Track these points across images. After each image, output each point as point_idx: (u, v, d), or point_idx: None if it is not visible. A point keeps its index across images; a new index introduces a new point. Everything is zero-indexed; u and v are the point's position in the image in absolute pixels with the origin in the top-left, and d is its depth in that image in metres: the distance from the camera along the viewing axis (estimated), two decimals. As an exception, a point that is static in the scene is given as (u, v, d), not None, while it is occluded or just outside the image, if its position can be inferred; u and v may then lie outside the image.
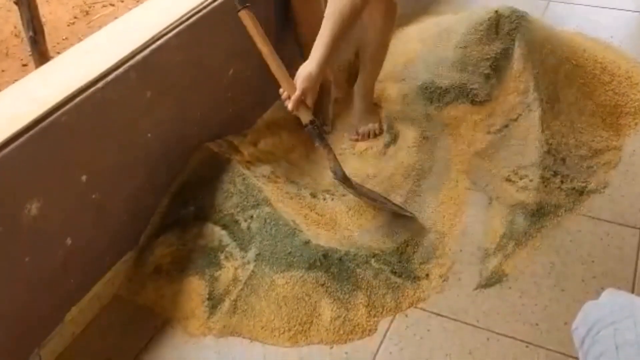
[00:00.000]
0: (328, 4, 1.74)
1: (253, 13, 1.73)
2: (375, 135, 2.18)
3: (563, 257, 1.76)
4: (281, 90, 1.75)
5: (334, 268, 1.68)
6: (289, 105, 1.71)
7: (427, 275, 1.73)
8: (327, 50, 1.69)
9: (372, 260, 1.72)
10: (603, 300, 0.96)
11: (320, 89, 2.25)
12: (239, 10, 1.72)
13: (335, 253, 1.70)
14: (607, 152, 2.08)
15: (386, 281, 1.68)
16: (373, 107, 2.25)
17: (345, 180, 1.80)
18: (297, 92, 1.68)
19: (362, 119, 2.20)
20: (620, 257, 1.76)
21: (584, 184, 1.97)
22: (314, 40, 2.09)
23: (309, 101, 1.72)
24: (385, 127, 2.19)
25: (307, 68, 1.71)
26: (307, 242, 1.71)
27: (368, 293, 1.66)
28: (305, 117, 1.75)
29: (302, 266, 1.67)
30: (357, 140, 2.18)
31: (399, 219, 1.83)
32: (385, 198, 1.86)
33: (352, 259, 1.70)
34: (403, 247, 1.78)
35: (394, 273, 1.71)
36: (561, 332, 1.57)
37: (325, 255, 1.69)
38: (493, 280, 1.72)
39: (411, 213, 1.84)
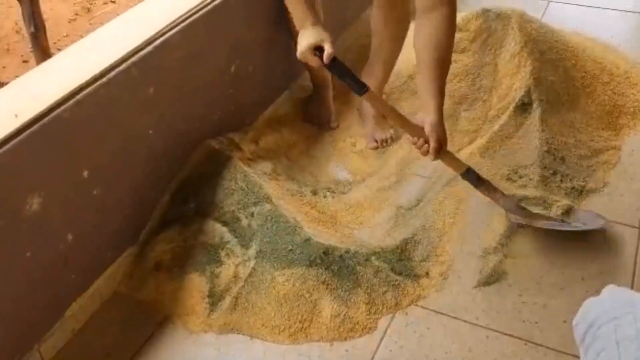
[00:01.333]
0: (418, 43, 1.70)
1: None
2: (392, 141, 2.17)
3: (562, 256, 1.77)
4: (414, 139, 1.71)
5: (334, 266, 1.68)
6: (431, 156, 1.70)
7: (427, 273, 1.73)
8: (438, 93, 1.67)
9: (373, 258, 1.72)
10: (603, 296, 0.96)
11: (321, 85, 2.27)
12: (362, 95, 1.72)
13: (335, 251, 1.71)
14: (606, 151, 2.09)
15: (386, 279, 1.69)
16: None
17: (523, 211, 1.78)
18: (433, 144, 1.66)
19: (376, 126, 2.18)
20: (619, 255, 1.76)
21: (583, 183, 1.97)
22: None
23: (444, 144, 1.70)
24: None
25: (430, 118, 1.65)
26: (307, 240, 1.72)
27: (368, 291, 1.66)
28: (459, 167, 1.76)
29: (303, 263, 1.68)
30: (376, 147, 2.17)
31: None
32: (560, 220, 1.80)
33: (353, 257, 1.70)
34: (403, 245, 1.78)
35: (394, 271, 1.71)
36: (561, 331, 1.58)
37: (325, 253, 1.69)
38: (493, 278, 1.72)
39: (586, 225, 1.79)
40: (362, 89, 1.70)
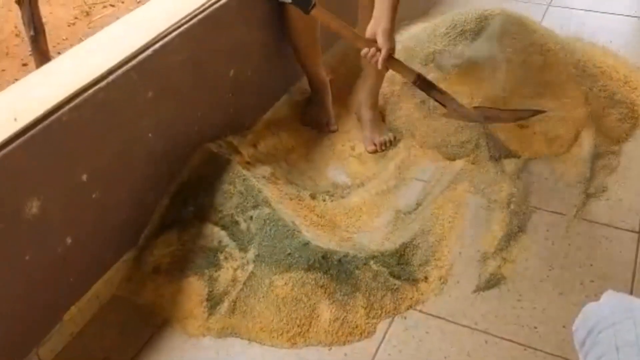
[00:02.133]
0: None
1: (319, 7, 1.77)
2: (391, 144, 2.17)
3: (561, 261, 1.77)
4: (364, 50, 1.78)
5: (333, 269, 1.68)
6: (380, 64, 1.76)
7: (426, 277, 1.73)
8: (394, 11, 1.75)
9: (371, 262, 1.72)
10: (603, 301, 0.96)
11: (320, 88, 2.27)
12: (308, 12, 1.76)
13: (334, 254, 1.70)
14: (605, 156, 2.09)
15: (385, 283, 1.69)
16: (380, 116, 2.24)
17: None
18: (384, 51, 1.73)
19: (374, 129, 2.18)
20: (618, 260, 1.76)
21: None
22: (307, 43, 2.09)
23: (393, 52, 1.78)
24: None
25: (382, 27, 1.74)
26: (306, 244, 1.72)
27: (367, 295, 1.66)
28: (409, 74, 1.82)
29: (301, 267, 1.68)
30: (375, 151, 2.16)
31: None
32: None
33: (352, 261, 1.70)
34: (402, 249, 1.78)
35: (393, 275, 1.71)
36: (560, 335, 1.58)
37: (324, 257, 1.69)
38: (492, 283, 1.72)
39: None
40: (309, 4, 1.73)
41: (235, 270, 1.72)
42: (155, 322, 1.66)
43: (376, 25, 1.75)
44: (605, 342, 0.87)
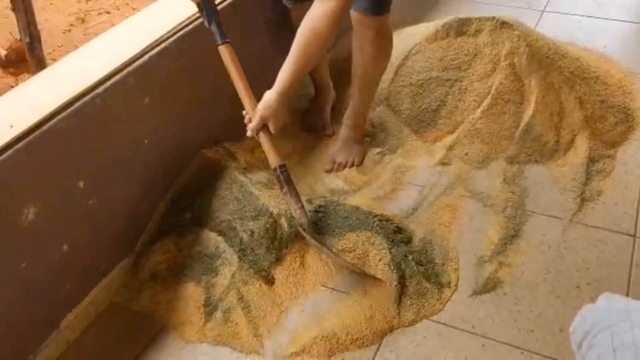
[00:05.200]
0: (299, 28, 1.74)
1: (232, 48, 1.73)
2: (352, 166, 2.10)
3: (558, 264, 1.77)
4: (244, 113, 1.74)
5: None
6: (248, 131, 1.72)
7: (449, 282, 1.73)
8: (289, 79, 1.70)
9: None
10: (600, 304, 0.96)
11: (320, 93, 2.28)
12: (219, 45, 1.71)
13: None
14: (600, 160, 2.10)
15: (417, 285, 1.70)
16: (360, 138, 2.16)
17: (312, 232, 1.72)
18: (255, 119, 1.68)
19: (342, 149, 2.12)
20: (614, 263, 1.77)
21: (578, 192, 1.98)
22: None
23: (272, 127, 1.70)
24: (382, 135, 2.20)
25: (268, 96, 1.70)
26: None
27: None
28: (274, 160, 1.71)
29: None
30: (330, 170, 2.10)
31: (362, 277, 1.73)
32: (349, 262, 1.71)
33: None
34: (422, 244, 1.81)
35: (426, 278, 1.73)
36: (556, 339, 1.58)
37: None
38: (488, 287, 1.72)
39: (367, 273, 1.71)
40: (222, 39, 1.70)
41: (232, 276, 1.71)
42: (153, 328, 1.66)
43: (268, 93, 1.71)
44: (602, 344, 0.87)
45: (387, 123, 2.25)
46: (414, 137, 2.21)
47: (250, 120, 1.71)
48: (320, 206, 1.83)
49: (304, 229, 1.70)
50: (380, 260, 1.70)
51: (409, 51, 2.32)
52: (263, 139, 1.72)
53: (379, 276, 1.68)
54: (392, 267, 1.68)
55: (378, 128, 2.24)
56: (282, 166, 1.72)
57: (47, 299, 1.54)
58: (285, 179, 1.71)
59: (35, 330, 1.54)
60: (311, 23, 1.70)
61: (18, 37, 2.74)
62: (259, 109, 1.69)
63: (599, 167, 2.07)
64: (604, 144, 2.15)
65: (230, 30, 1.94)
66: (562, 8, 2.99)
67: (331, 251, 1.69)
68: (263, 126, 1.70)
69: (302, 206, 1.72)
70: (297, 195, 1.72)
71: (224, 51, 1.71)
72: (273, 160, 1.72)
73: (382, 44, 1.96)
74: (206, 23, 1.72)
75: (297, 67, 1.70)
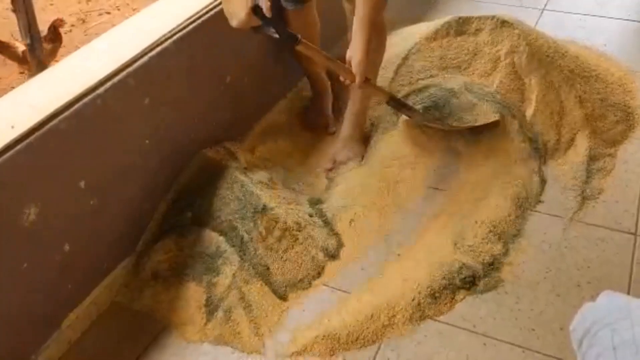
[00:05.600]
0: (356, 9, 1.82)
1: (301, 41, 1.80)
2: (352, 164, 2.10)
3: (558, 263, 1.78)
4: (343, 79, 1.85)
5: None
6: (356, 88, 1.86)
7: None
8: (366, 34, 1.79)
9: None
10: (600, 301, 0.96)
11: (319, 92, 2.28)
12: (296, 45, 1.79)
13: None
14: (601, 158, 2.10)
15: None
16: (360, 137, 2.16)
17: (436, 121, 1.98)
18: (358, 79, 1.80)
19: (343, 147, 2.13)
20: (615, 262, 1.77)
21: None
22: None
23: (371, 75, 1.90)
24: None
25: (356, 56, 1.79)
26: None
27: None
28: (382, 95, 1.95)
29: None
30: (330, 169, 2.10)
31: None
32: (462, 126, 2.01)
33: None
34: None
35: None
36: (557, 337, 1.58)
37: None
38: (489, 285, 1.72)
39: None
40: (296, 38, 1.77)
41: (233, 275, 1.72)
42: (154, 328, 1.66)
43: (351, 52, 1.80)
44: (603, 342, 0.87)
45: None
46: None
47: (350, 82, 1.83)
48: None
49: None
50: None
51: (409, 50, 2.32)
52: (369, 86, 1.89)
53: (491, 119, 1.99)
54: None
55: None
56: (392, 97, 1.95)
57: (48, 299, 1.54)
58: (400, 105, 1.98)
59: (37, 330, 1.54)
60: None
61: (19, 37, 2.75)
62: (357, 68, 1.79)
63: (600, 166, 2.07)
64: (604, 142, 2.15)
65: (231, 30, 1.95)
66: (562, 7, 2.99)
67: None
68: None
69: (419, 112, 2.00)
70: (414, 110, 2.00)
71: (301, 48, 1.81)
72: (384, 95, 1.97)
73: (380, 35, 2.07)
74: (275, 35, 1.80)
75: (367, 21, 1.79)
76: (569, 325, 1.00)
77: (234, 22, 1.73)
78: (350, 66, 1.79)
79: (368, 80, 1.85)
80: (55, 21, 2.86)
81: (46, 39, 2.79)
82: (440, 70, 2.25)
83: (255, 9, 1.69)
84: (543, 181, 2.01)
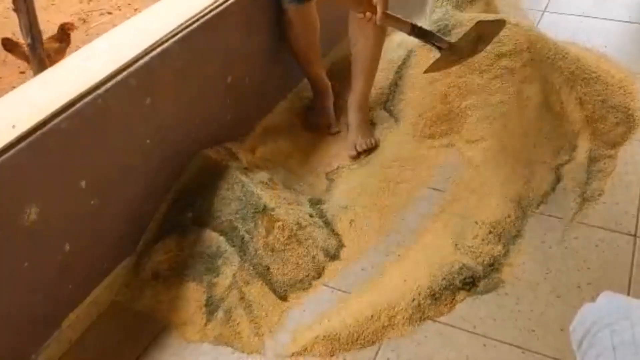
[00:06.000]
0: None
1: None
2: (372, 148, 2.16)
3: (559, 264, 1.78)
4: (362, 14, 1.87)
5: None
6: (377, 21, 1.84)
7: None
8: None
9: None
10: (600, 302, 0.97)
11: (319, 93, 2.29)
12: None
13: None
14: (601, 160, 2.10)
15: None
16: (367, 121, 2.24)
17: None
18: (379, 9, 1.82)
19: (359, 133, 2.18)
20: (615, 263, 1.77)
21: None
22: (306, 47, 2.13)
23: (387, 7, 1.85)
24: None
25: None
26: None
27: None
28: (405, 26, 1.88)
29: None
30: (356, 157, 2.15)
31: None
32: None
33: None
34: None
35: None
36: (557, 338, 1.58)
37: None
38: (489, 286, 1.72)
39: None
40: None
41: (234, 275, 1.72)
42: (154, 328, 1.66)
43: None
44: (602, 342, 0.87)
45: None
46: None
47: (371, 16, 1.84)
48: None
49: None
50: None
51: (409, 51, 2.32)
52: (390, 18, 1.86)
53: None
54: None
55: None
56: (413, 27, 1.88)
57: (48, 299, 1.54)
58: (423, 34, 1.90)
59: (37, 329, 1.54)
60: None
61: (20, 37, 2.76)
62: (376, 1, 1.81)
63: (600, 167, 2.08)
64: (604, 144, 2.16)
65: (232, 30, 1.95)
66: (563, 8, 3.00)
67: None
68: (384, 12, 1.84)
69: (441, 38, 1.91)
70: (435, 37, 1.91)
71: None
72: (406, 26, 1.88)
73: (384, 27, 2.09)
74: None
75: None
76: (569, 326, 1.01)
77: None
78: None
79: (387, 14, 1.86)
80: (65, 24, 2.91)
81: (54, 38, 2.83)
82: (439, 73, 2.24)
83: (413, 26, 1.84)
84: (557, 180, 2.02)
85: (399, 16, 1.88)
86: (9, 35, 3.11)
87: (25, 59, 2.82)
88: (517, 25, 2.26)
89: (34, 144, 1.40)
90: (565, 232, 1.87)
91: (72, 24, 2.97)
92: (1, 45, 2.95)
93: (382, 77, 2.32)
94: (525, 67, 2.18)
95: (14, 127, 1.40)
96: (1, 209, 1.37)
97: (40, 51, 2.51)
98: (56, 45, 2.84)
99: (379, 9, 1.82)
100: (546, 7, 3.01)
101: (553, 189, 2.00)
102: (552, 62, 2.26)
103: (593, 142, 2.14)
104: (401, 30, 1.90)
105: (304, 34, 2.16)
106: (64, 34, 2.91)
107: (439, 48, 1.89)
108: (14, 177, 1.38)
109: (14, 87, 1.68)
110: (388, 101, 2.30)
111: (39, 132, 1.41)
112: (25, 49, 2.71)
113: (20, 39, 2.79)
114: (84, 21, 3.46)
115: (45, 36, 2.79)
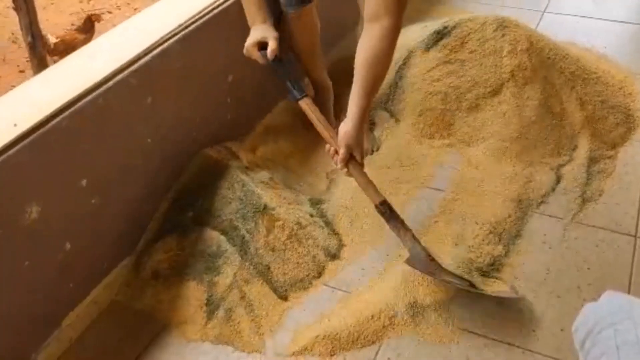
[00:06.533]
0: (357, 52, 1.64)
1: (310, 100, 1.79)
2: (372, 153, 2.15)
3: (559, 264, 1.78)
4: (327, 148, 1.71)
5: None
6: (338, 164, 1.66)
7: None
8: (361, 105, 1.63)
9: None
10: (602, 301, 0.97)
11: (320, 93, 2.28)
12: (298, 100, 1.78)
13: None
14: (601, 160, 2.11)
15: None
16: (367, 124, 2.20)
17: (428, 262, 1.66)
18: (341, 151, 1.63)
19: (365, 137, 2.13)
20: (615, 263, 1.77)
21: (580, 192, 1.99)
22: (307, 48, 2.10)
23: (358, 156, 1.66)
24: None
25: (345, 127, 1.64)
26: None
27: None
28: (374, 197, 1.67)
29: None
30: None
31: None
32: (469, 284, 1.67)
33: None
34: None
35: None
36: (558, 338, 1.58)
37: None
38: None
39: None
40: (300, 94, 1.75)
41: (234, 274, 1.72)
42: (154, 327, 1.66)
43: (344, 124, 1.64)
44: (605, 342, 0.87)
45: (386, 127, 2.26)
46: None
47: (333, 154, 1.67)
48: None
49: (415, 259, 1.66)
50: None
51: (409, 52, 2.32)
52: (356, 172, 1.67)
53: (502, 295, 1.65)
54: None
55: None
56: (382, 203, 1.66)
57: (49, 298, 1.54)
58: (390, 215, 1.67)
59: (37, 328, 1.54)
60: (370, 45, 1.62)
61: (19, 36, 2.76)
62: (341, 139, 1.63)
63: (600, 168, 2.08)
64: (604, 144, 2.16)
65: (233, 29, 1.95)
66: (563, 9, 3.00)
67: (453, 280, 1.65)
68: (350, 157, 1.65)
69: (413, 237, 1.67)
70: (406, 228, 1.68)
71: (304, 105, 1.78)
72: (373, 197, 1.67)
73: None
74: (281, 81, 1.79)
75: (365, 92, 1.63)
76: (570, 326, 1.01)
77: (244, 49, 1.77)
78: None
79: (353, 159, 1.66)
80: (92, 14, 2.92)
81: (80, 30, 2.85)
82: (440, 73, 2.24)
83: (262, 47, 1.73)
84: (557, 180, 2.02)
85: (368, 179, 1.66)
86: (9, 35, 3.11)
87: (47, 51, 2.78)
88: (517, 26, 2.27)
89: (35, 143, 1.40)
90: (565, 232, 1.87)
91: (98, 15, 2.97)
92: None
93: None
94: (526, 67, 2.18)
95: (15, 125, 1.40)
96: (2, 208, 1.37)
97: (41, 50, 2.51)
98: (82, 36, 2.85)
99: (340, 152, 1.61)
100: (546, 8, 3.01)
101: (553, 189, 2.00)
102: (552, 63, 2.26)
103: (593, 142, 2.15)
104: (367, 195, 1.69)
105: (304, 35, 2.15)
106: (90, 25, 2.92)
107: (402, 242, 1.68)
108: (15, 176, 1.38)
109: (13, 86, 1.68)
110: (388, 101, 2.30)
111: (40, 131, 1.42)
112: (48, 41, 2.71)
113: (20, 38, 2.80)
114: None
115: (71, 29, 2.82)
